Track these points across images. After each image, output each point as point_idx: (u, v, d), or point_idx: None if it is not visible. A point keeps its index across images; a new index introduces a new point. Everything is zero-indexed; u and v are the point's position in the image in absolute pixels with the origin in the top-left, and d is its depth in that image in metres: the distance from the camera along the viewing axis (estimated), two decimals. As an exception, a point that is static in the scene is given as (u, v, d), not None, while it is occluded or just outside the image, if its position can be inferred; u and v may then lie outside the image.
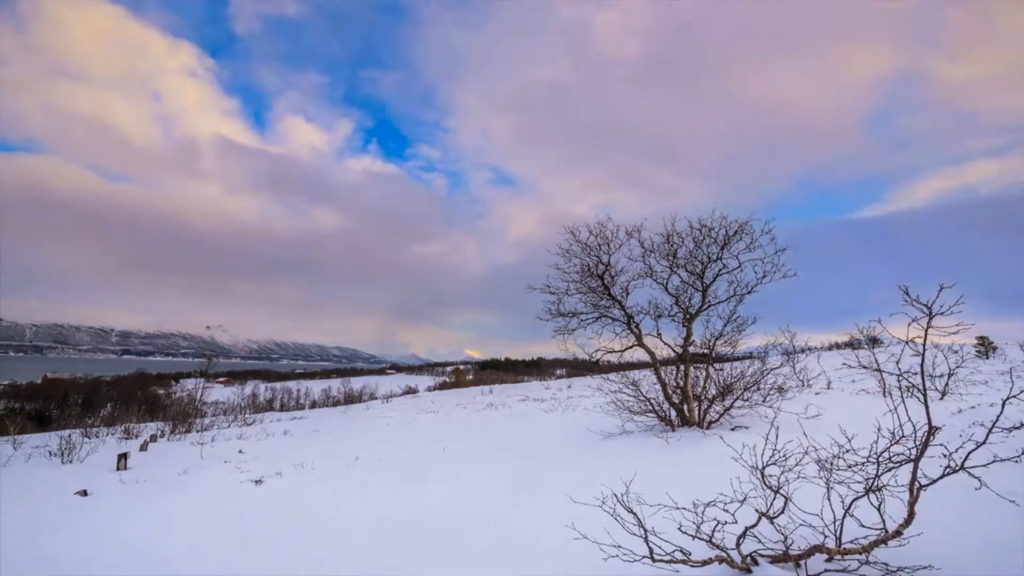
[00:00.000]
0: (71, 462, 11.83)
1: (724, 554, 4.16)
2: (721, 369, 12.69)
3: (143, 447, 14.11)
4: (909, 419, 4.19)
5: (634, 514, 4.43)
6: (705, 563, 4.17)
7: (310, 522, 6.97)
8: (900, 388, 4.48)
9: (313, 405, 48.55)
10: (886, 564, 3.86)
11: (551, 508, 6.66)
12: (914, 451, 3.94)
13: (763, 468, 4.59)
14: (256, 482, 9.62)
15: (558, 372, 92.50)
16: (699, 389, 12.16)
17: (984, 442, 3.71)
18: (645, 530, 4.28)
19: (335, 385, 66.37)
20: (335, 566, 5.42)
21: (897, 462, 4.10)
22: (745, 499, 4.68)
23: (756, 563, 4.08)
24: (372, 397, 50.42)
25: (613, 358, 13.71)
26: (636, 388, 12.96)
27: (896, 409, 4.44)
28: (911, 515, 3.75)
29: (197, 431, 19.49)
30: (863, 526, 4.19)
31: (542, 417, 18.46)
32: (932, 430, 3.83)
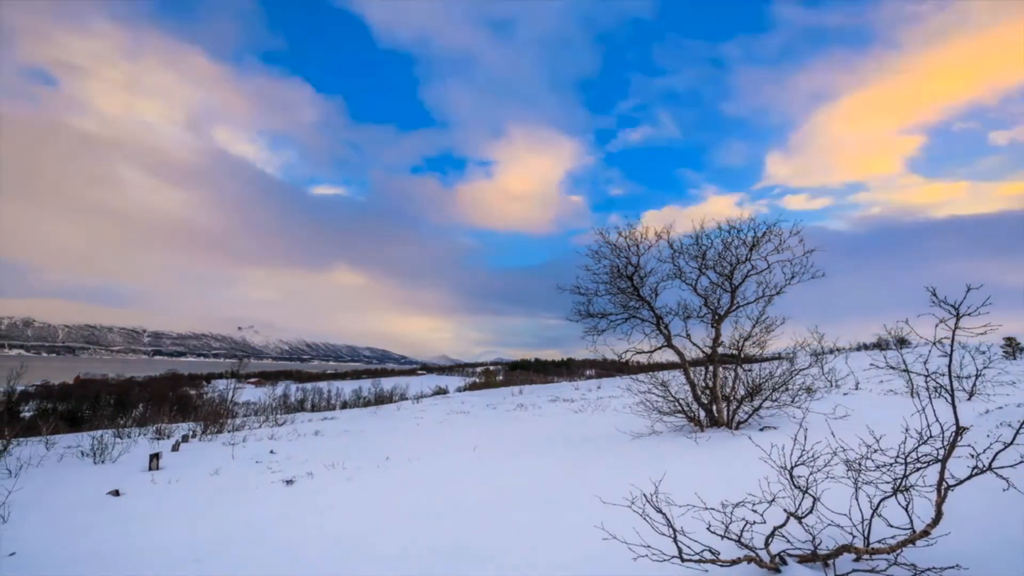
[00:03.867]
0: (103, 462, 12.04)
1: (753, 554, 4.23)
2: (750, 370, 12.69)
3: (175, 447, 14.42)
4: (937, 420, 4.21)
5: (663, 514, 4.49)
6: (734, 563, 4.24)
7: (341, 523, 7.10)
8: (928, 389, 4.50)
9: (344, 406, 48.98)
10: (914, 564, 3.91)
11: (581, 508, 6.75)
12: (942, 451, 3.97)
13: (792, 468, 4.64)
14: (287, 482, 9.83)
15: (588, 373, 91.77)
16: (728, 390, 12.18)
17: (1012, 443, 3.73)
18: (674, 530, 4.35)
19: (366, 386, 66.95)
20: (365, 567, 5.52)
21: (925, 462, 4.13)
22: (774, 499, 4.74)
23: (784, 563, 4.16)
24: (402, 398, 50.75)
25: (642, 359, 13.75)
26: (665, 389, 13.03)
27: (924, 410, 4.46)
28: (939, 515, 3.79)
29: (229, 431, 19.75)
30: (891, 526, 4.23)
31: (572, 418, 18.55)
32: (960, 430, 3.86)
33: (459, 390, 57.89)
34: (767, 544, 4.25)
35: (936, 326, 4.08)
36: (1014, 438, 3.71)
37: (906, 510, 4.06)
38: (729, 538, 4.41)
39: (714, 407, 11.93)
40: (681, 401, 12.62)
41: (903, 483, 4.11)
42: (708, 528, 4.67)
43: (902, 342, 22.74)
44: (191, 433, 17.93)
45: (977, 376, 12.22)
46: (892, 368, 14.38)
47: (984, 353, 18.59)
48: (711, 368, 12.26)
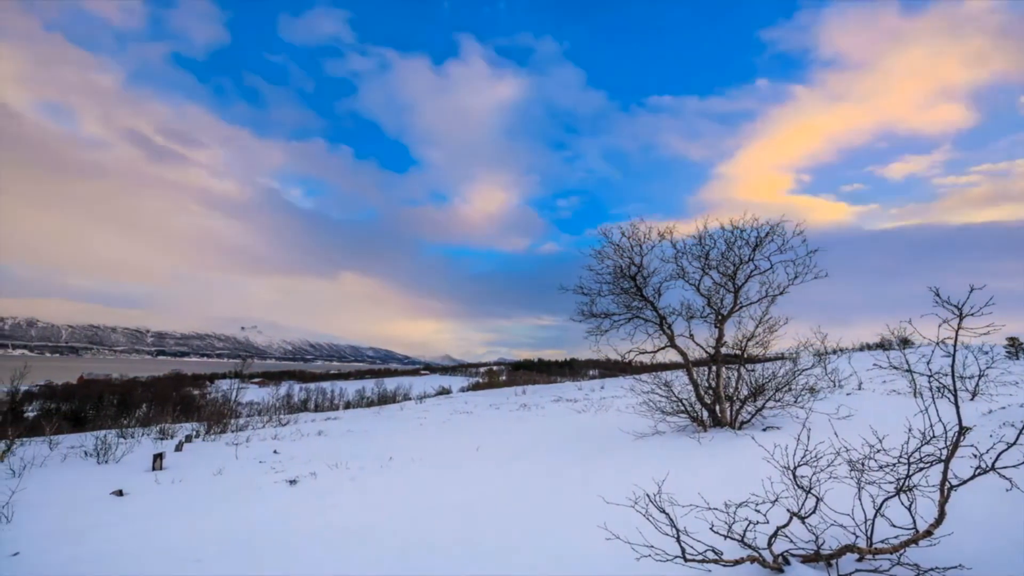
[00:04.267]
0: (107, 462, 11.94)
1: (756, 554, 4.23)
2: (753, 370, 12.68)
3: (178, 447, 14.36)
4: (940, 420, 4.21)
5: (666, 514, 4.50)
6: (737, 563, 4.25)
7: (344, 522, 7.09)
8: (931, 389, 4.51)
9: (347, 406, 48.85)
10: (917, 564, 3.91)
11: (584, 508, 6.75)
12: (944, 451, 3.97)
13: (795, 468, 4.64)
14: (291, 482, 9.82)
15: (591, 373, 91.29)
16: (731, 390, 12.17)
17: (1015, 443, 3.72)
18: (677, 530, 4.36)
19: (369, 386, 66.89)
20: (368, 566, 5.50)
21: (928, 462, 4.13)
22: (777, 499, 4.75)
23: (788, 562, 4.16)
24: (406, 398, 50.65)
25: (645, 359, 13.70)
26: (668, 389, 13.04)
27: (927, 410, 4.47)
28: (942, 515, 3.79)
29: (232, 431, 19.63)
30: (894, 526, 4.22)
31: (575, 418, 18.55)
32: (962, 430, 3.87)
33: (462, 390, 57.74)
34: (770, 544, 4.25)
35: (939, 326, 4.08)
36: (1017, 438, 3.70)
37: (909, 510, 4.06)
38: (732, 538, 4.42)
39: (717, 407, 11.92)
40: (684, 401, 12.63)
41: (906, 483, 4.11)
42: (711, 528, 4.67)
43: (905, 342, 22.71)
44: (195, 433, 17.85)
45: (980, 376, 12.20)
46: (895, 368, 14.35)
47: (987, 353, 18.59)
48: (714, 368, 12.24)
